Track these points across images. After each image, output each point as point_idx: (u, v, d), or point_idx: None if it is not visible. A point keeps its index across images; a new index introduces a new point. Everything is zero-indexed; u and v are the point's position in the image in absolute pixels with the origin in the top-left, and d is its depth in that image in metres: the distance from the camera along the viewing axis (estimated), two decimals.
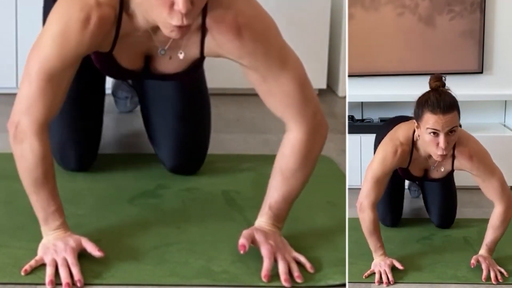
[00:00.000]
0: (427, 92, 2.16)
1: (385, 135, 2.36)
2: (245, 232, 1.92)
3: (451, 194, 2.60)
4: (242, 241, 1.89)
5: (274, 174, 1.97)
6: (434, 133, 2.11)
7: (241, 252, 1.87)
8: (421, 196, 2.77)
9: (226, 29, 1.80)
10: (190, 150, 2.43)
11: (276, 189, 1.96)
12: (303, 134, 1.92)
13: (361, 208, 2.22)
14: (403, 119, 2.40)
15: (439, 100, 2.10)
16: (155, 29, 1.80)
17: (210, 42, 1.84)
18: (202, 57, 1.91)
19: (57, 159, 2.39)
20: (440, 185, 2.56)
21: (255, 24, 1.82)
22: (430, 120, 2.10)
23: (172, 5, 1.62)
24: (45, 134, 1.83)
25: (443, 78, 2.17)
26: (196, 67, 1.97)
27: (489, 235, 2.27)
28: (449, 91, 2.15)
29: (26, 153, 1.82)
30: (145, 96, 2.44)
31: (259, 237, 1.91)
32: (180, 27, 1.65)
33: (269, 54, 1.84)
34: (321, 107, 1.95)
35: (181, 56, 1.87)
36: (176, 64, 1.94)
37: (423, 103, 2.13)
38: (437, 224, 2.59)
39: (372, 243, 2.24)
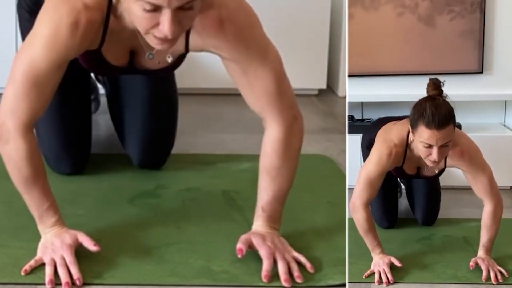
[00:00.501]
0: (424, 101, 2.13)
1: (373, 136, 2.37)
2: (242, 237, 1.93)
3: (436, 192, 2.60)
4: (239, 245, 1.90)
5: (261, 175, 1.98)
6: (428, 145, 2.11)
7: (239, 256, 1.89)
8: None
9: (209, 23, 1.80)
10: (155, 146, 2.45)
11: (265, 190, 1.97)
12: (281, 130, 1.93)
13: (353, 208, 2.22)
14: (390, 119, 2.41)
15: (435, 114, 2.08)
16: None
17: (194, 37, 1.85)
18: (186, 52, 1.92)
19: (51, 165, 2.40)
20: (426, 183, 2.56)
21: (238, 17, 1.83)
22: (424, 134, 2.10)
23: (158, 24, 1.62)
24: (30, 134, 1.83)
25: (442, 84, 2.16)
26: (179, 61, 1.98)
27: (484, 235, 2.27)
28: (447, 100, 2.14)
29: (13, 153, 1.82)
30: (116, 91, 2.45)
31: (256, 241, 1.92)
32: (166, 40, 1.64)
33: (251, 47, 1.85)
34: (296, 101, 1.97)
35: (169, 60, 1.89)
36: (160, 63, 1.95)
37: (419, 115, 2.12)
38: (421, 222, 2.59)
39: (368, 241, 2.24)
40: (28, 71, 1.76)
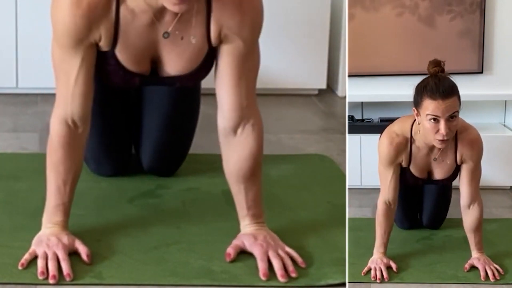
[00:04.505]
0: (426, 78, 2.14)
1: None
2: (234, 241, 1.97)
3: (446, 199, 2.57)
4: (228, 250, 1.94)
5: (228, 180, 2.01)
6: (434, 119, 2.09)
7: (227, 260, 1.92)
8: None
9: (230, 1, 1.83)
10: (168, 157, 2.46)
11: (238, 192, 2.00)
12: (230, 127, 1.96)
13: (388, 205, 2.25)
14: None
15: (438, 85, 2.08)
16: (160, 14, 1.82)
17: (214, 22, 1.86)
18: (209, 49, 1.91)
19: (92, 167, 2.44)
20: (438, 189, 2.53)
21: (257, 7, 1.86)
22: (429, 106, 2.08)
23: None
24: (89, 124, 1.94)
25: (442, 63, 2.15)
26: (204, 66, 1.97)
27: (472, 238, 2.26)
28: (449, 76, 2.13)
29: (79, 137, 1.91)
30: (140, 97, 2.43)
31: (248, 242, 1.95)
32: None
33: (253, 33, 1.87)
34: (255, 104, 1.98)
35: (193, 41, 1.88)
36: (184, 62, 1.94)
37: (422, 89, 2.11)
38: (425, 224, 2.57)
39: (380, 239, 2.25)
40: (60, 65, 1.84)
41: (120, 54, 1.89)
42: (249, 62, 1.90)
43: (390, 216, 2.26)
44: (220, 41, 1.90)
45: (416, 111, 2.16)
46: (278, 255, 1.91)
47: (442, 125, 2.08)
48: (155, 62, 1.95)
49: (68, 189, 1.92)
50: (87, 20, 1.80)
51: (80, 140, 1.93)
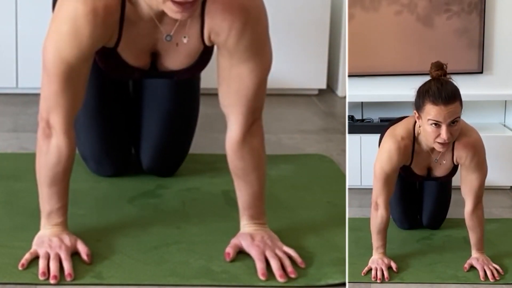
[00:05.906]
0: (428, 82, 2.13)
1: None
2: (232, 241, 1.97)
3: (446, 199, 2.57)
4: (227, 249, 1.94)
5: (233, 178, 2.00)
6: (436, 124, 2.09)
7: (227, 259, 1.92)
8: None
9: (222, 7, 1.82)
10: (167, 157, 2.46)
11: (240, 191, 2.00)
12: (240, 132, 1.94)
13: (375, 206, 2.23)
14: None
15: (441, 90, 2.07)
16: (161, 16, 1.82)
17: (208, 25, 1.86)
18: (205, 47, 1.92)
19: (91, 167, 2.43)
20: (438, 187, 2.54)
21: (251, 8, 1.84)
22: (431, 111, 2.08)
23: None
24: (72, 133, 1.87)
25: (444, 66, 2.14)
26: (201, 62, 1.97)
27: (472, 237, 2.26)
28: (451, 80, 2.13)
29: (52, 149, 1.86)
30: (140, 97, 2.44)
31: (245, 243, 1.95)
32: (184, 5, 1.65)
33: (251, 45, 1.85)
34: (262, 106, 1.98)
35: (185, 40, 1.88)
36: (182, 58, 1.95)
37: (424, 93, 2.10)
38: (425, 224, 2.57)
39: (376, 240, 2.24)
40: (60, 68, 1.79)
41: (122, 51, 1.90)
42: (242, 67, 1.88)
43: (380, 216, 2.24)
44: (213, 43, 1.91)
45: (417, 114, 2.16)
46: (276, 255, 1.91)
47: (443, 130, 2.08)
48: (154, 56, 1.96)
49: (61, 189, 1.90)
50: (106, 26, 1.77)
51: (58, 151, 1.87)
